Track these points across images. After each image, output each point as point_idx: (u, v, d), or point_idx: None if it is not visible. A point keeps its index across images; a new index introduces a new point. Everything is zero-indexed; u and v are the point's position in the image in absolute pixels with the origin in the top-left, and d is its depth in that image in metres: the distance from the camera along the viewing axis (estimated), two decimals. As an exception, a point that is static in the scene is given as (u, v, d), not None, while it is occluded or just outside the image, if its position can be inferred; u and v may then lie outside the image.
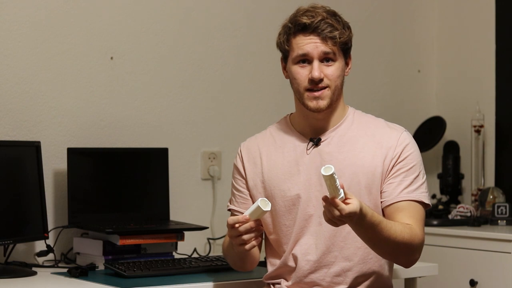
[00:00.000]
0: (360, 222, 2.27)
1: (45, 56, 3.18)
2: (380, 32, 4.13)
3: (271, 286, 2.59)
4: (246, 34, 3.67)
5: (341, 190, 2.20)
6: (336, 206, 2.19)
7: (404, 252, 2.40)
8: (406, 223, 2.41)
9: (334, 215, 2.21)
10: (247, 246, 2.37)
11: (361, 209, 2.23)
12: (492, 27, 4.06)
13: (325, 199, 2.21)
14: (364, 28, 3.98)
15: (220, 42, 3.60)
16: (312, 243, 2.49)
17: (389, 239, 2.34)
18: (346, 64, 2.52)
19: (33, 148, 2.99)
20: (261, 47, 3.68)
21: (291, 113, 2.62)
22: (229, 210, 2.65)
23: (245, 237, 2.35)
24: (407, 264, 2.48)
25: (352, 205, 2.21)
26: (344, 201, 2.21)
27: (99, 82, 3.30)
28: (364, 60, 3.98)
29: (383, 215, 2.47)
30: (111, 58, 3.33)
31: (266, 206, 2.32)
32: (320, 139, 2.52)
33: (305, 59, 2.46)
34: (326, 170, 2.16)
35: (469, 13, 4.18)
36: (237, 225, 2.35)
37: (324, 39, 2.44)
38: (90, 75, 3.28)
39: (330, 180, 2.17)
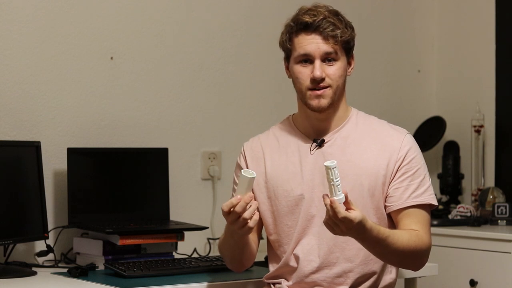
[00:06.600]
0: (366, 238, 2.29)
1: (45, 56, 3.18)
2: (380, 32, 4.12)
3: (272, 285, 2.59)
4: (246, 34, 3.66)
5: (342, 194, 2.21)
6: (334, 207, 2.19)
7: (412, 259, 2.43)
8: (412, 229, 2.42)
9: (329, 215, 2.21)
10: (251, 223, 2.33)
11: (361, 221, 2.22)
12: (492, 27, 4.06)
13: (324, 196, 2.21)
14: (364, 28, 3.97)
15: (220, 42, 3.60)
16: (314, 243, 2.48)
17: (397, 251, 2.36)
18: (349, 63, 2.52)
19: (33, 148, 2.99)
20: (261, 47, 3.67)
21: (294, 114, 2.62)
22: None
23: (246, 214, 2.32)
24: (416, 268, 2.50)
25: (352, 213, 2.21)
26: (347, 209, 2.21)
27: (99, 82, 3.30)
28: (364, 60, 3.97)
29: (389, 218, 2.49)
30: (111, 58, 3.33)
31: (252, 174, 2.31)
32: (324, 140, 2.51)
33: (307, 59, 2.46)
34: (328, 162, 2.20)
35: (469, 13, 4.18)
36: (232, 209, 2.32)
37: (325, 38, 2.43)
38: (90, 75, 3.28)
39: (328, 173, 2.19)
